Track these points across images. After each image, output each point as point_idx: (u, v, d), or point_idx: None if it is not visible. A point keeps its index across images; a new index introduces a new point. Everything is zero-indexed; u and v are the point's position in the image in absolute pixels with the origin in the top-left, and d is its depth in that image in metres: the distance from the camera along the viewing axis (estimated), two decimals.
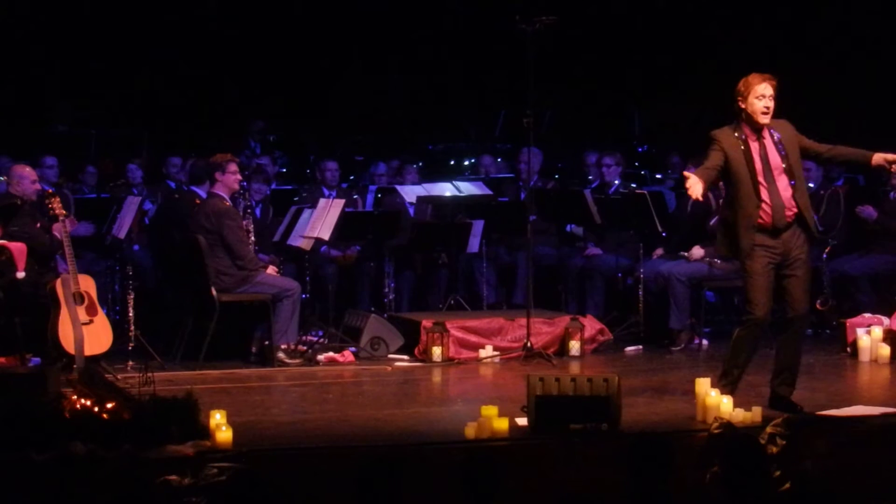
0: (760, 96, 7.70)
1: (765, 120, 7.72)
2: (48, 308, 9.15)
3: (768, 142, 7.77)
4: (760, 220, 7.73)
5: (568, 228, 11.87)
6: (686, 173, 7.77)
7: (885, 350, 9.77)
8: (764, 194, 7.73)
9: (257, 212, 11.22)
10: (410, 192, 11.87)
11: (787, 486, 5.76)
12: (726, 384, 7.87)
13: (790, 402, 7.89)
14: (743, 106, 7.74)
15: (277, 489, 6.06)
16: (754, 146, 7.76)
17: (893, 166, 7.94)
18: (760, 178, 7.72)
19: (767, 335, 8.20)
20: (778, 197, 7.72)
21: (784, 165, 7.75)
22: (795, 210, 7.77)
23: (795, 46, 14.59)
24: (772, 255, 7.77)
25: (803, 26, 14.79)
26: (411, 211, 12.02)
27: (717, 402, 7.57)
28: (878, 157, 7.91)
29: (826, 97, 14.05)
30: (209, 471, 5.80)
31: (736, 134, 7.76)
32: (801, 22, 14.81)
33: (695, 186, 7.59)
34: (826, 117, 13.94)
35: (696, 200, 7.88)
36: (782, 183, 7.74)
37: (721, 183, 8.03)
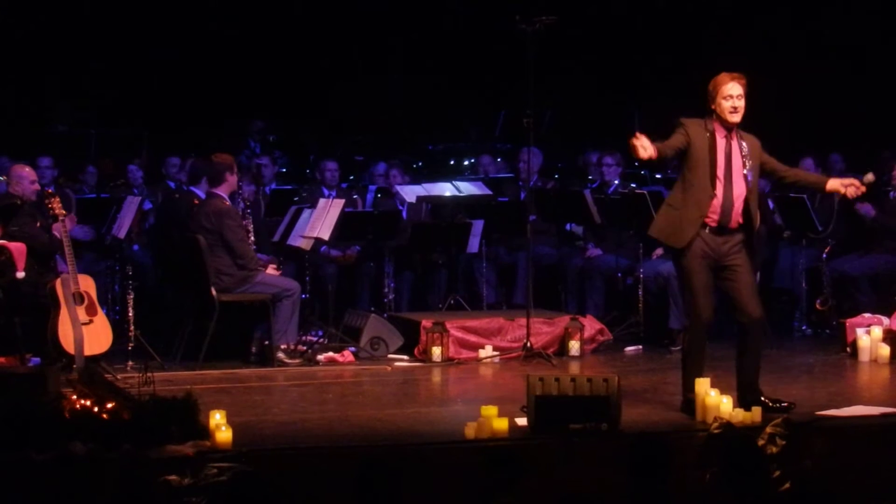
0: (728, 96, 7.65)
1: (734, 119, 7.66)
2: (48, 308, 9.14)
3: (735, 143, 7.72)
4: (710, 215, 7.66)
5: (568, 227, 11.87)
6: (641, 140, 7.54)
7: (885, 350, 9.77)
8: (718, 189, 7.66)
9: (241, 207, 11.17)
10: (410, 193, 11.87)
11: (787, 485, 5.76)
12: (690, 399, 7.75)
13: (775, 400, 7.78)
14: (713, 106, 7.70)
15: (277, 489, 6.07)
16: (721, 142, 7.71)
17: (849, 189, 7.88)
18: (719, 173, 7.66)
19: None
20: (730, 196, 7.67)
21: (744, 170, 7.69)
22: (742, 221, 7.71)
23: (795, 46, 14.60)
24: (708, 254, 7.68)
25: (803, 26, 14.80)
26: (405, 213, 12.00)
27: (716, 402, 7.57)
28: (833, 184, 7.94)
29: (825, 97, 14.07)
30: (209, 471, 5.81)
31: (706, 126, 7.72)
32: (801, 22, 14.81)
33: (645, 146, 7.46)
34: (826, 117, 13.99)
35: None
36: (738, 185, 7.68)
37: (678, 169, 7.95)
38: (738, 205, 7.69)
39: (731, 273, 7.72)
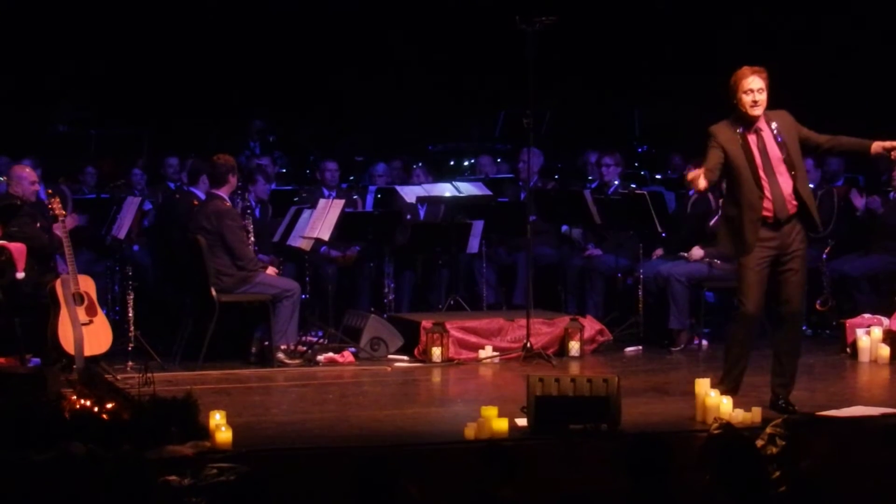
0: (749, 90, 7.72)
1: (755, 112, 7.73)
2: (48, 308, 9.14)
3: (766, 134, 7.78)
4: (765, 213, 7.72)
5: (563, 229, 11.85)
6: (689, 172, 7.77)
7: (885, 350, 9.77)
8: (765, 187, 7.73)
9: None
10: (410, 193, 11.88)
11: (785, 487, 5.76)
12: (729, 385, 7.86)
13: (787, 402, 7.88)
14: (734, 101, 7.77)
15: (277, 489, 6.07)
16: (752, 139, 7.76)
17: (893, 153, 7.90)
18: (761, 172, 7.72)
19: (764, 334, 8.20)
20: (779, 189, 7.73)
21: (783, 157, 7.76)
22: (796, 203, 7.77)
23: (794, 46, 14.60)
24: (769, 250, 7.77)
25: (803, 26, 14.79)
26: (421, 213, 12.04)
27: (716, 402, 7.58)
28: (877, 146, 7.91)
29: (824, 97, 14.05)
30: (209, 471, 5.80)
31: (734, 128, 7.78)
32: (801, 22, 14.81)
33: (699, 179, 7.63)
34: (826, 116, 13.98)
35: (697, 200, 7.90)
36: (783, 175, 7.75)
37: (722, 182, 8.05)
38: (789, 193, 7.75)
39: (789, 264, 7.80)
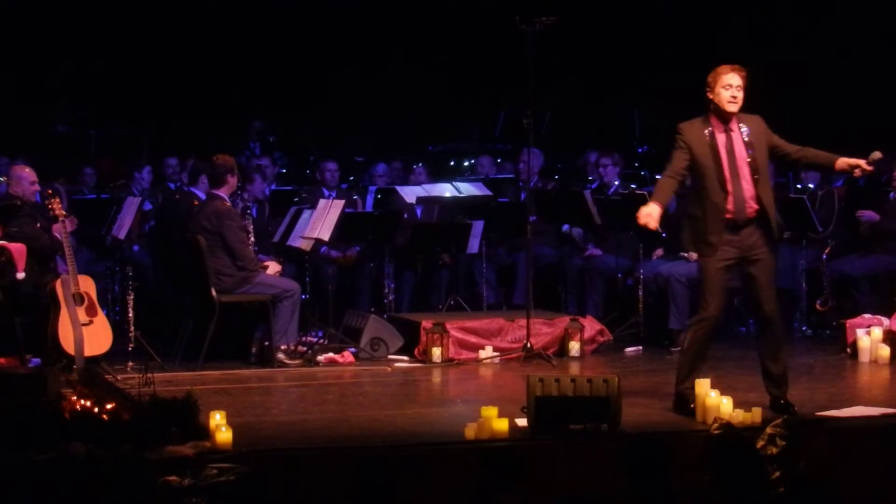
0: (727, 86, 7.73)
1: (732, 109, 7.74)
2: (48, 309, 9.14)
3: (736, 135, 7.80)
4: (727, 214, 7.75)
5: (564, 228, 11.87)
6: (643, 210, 7.75)
7: (885, 351, 9.77)
8: (729, 187, 7.75)
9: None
10: (410, 193, 11.88)
11: (784, 487, 5.76)
12: (689, 386, 7.85)
13: (786, 402, 7.87)
14: (711, 96, 7.79)
15: (277, 489, 6.07)
16: (721, 138, 7.79)
17: (856, 171, 7.92)
18: (726, 172, 7.75)
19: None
20: (740, 191, 7.75)
21: (749, 160, 7.78)
22: (757, 207, 7.80)
23: (795, 46, 14.60)
24: (731, 251, 7.79)
25: (803, 26, 14.79)
26: (418, 213, 12.04)
27: (716, 402, 7.57)
28: (842, 162, 7.95)
29: (823, 96, 14.06)
30: (209, 471, 5.80)
31: (704, 126, 7.81)
32: (801, 22, 14.81)
33: (650, 218, 7.69)
34: (824, 114, 13.98)
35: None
36: (745, 178, 7.77)
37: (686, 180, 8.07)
38: (749, 196, 7.77)
39: (754, 268, 7.82)
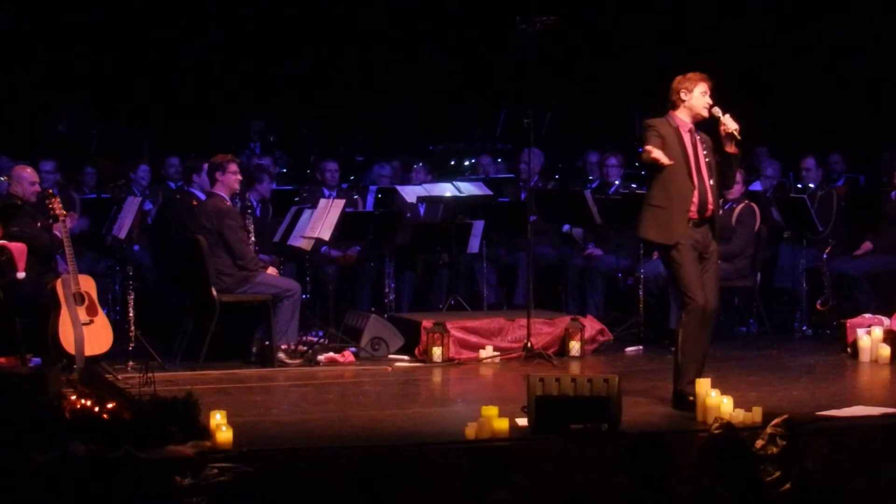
0: (704, 92, 8.00)
1: (706, 114, 7.97)
2: (48, 308, 9.14)
3: (697, 137, 8.04)
4: (690, 210, 7.94)
5: (565, 229, 11.87)
6: (649, 148, 7.80)
7: (886, 350, 9.76)
8: (696, 181, 7.97)
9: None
10: (411, 193, 11.88)
11: (787, 486, 5.76)
12: (690, 382, 7.87)
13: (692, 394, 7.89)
14: (685, 99, 8.00)
15: (277, 489, 6.07)
16: (687, 137, 8.02)
17: (721, 129, 7.94)
18: (692, 166, 7.97)
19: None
20: (705, 189, 7.99)
21: (707, 160, 8.01)
22: (713, 207, 8.04)
23: (796, 47, 14.60)
24: (695, 243, 7.98)
25: (803, 27, 14.80)
26: (421, 211, 12.04)
27: (716, 402, 7.57)
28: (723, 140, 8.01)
29: (822, 95, 14.07)
30: (209, 471, 5.80)
31: (670, 124, 8.01)
32: (801, 22, 14.82)
33: (660, 154, 7.77)
34: (827, 118, 13.99)
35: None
36: (705, 177, 7.99)
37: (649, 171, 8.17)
38: (709, 195, 8.00)
39: (706, 264, 8.04)
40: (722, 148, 8.01)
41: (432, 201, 11.93)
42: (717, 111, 7.96)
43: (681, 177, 7.91)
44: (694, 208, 7.94)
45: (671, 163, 7.79)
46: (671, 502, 5.47)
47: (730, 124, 7.92)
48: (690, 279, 7.93)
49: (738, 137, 7.94)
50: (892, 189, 11.34)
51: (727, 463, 5.51)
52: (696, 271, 7.95)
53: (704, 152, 8.00)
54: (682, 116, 8.01)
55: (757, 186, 12.20)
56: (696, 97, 7.98)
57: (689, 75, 8.04)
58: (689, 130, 8.01)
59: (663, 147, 7.88)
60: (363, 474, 5.37)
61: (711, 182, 7.99)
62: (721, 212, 10.26)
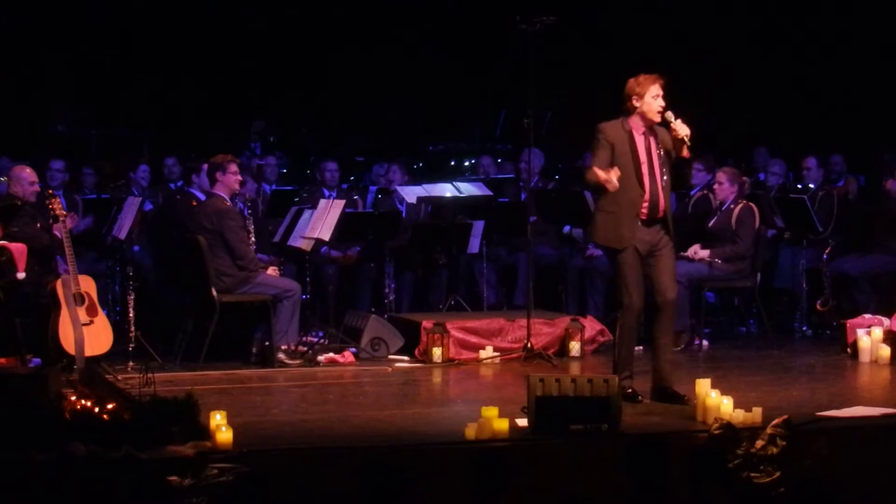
0: (657, 95, 8.08)
1: (659, 119, 8.06)
2: (49, 309, 9.14)
3: (652, 139, 8.13)
4: (642, 211, 8.06)
5: (565, 230, 11.87)
6: (597, 171, 7.92)
7: (886, 351, 9.77)
8: (646, 185, 8.08)
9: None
10: (411, 193, 11.87)
11: (789, 487, 5.76)
12: (629, 376, 8.17)
13: (674, 392, 8.14)
14: (637, 104, 8.09)
15: (277, 489, 6.07)
16: (640, 140, 8.12)
17: (673, 132, 8.01)
18: (643, 170, 8.07)
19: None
20: (656, 190, 8.11)
21: (661, 163, 8.11)
22: (664, 207, 8.14)
23: (795, 47, 14.60)
24: (643, 245, 8.12)
25: (803, 27, 14.80)
26: (403, 212, 12.02)
27: (716, 402, 7.58)
28: (677, 145, 8.06)
29: (820, 95, 14.06)
30: (210, 471, 5.81)
31: (623, 127, 8.12)
32: (801, 23, 14.82)
33: (611, 179, 7.86)
34: (828, 118, 13.99)
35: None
36: (660, 178, 8.10)
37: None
38: (662, 196, 8.12)
39: (657, 259, 8.20)
40: (676, 151, 8.10)
41: (432, 201, 11.92)
42: (669, 116, 8.04)
43: (630, 183, 8.03)
44: (645, 211, 8.09)
45: (616, 187, 7.87)
46: (671, 502, 5.47)
47: (680, 130, 8.01)
48: (630, 282, 8.12)
49: (688, 143, 8.01)
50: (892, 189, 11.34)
51: (705, 465, 5.54)
52: (638, 275, 8.14)
53: (659, 151, 8.09)
54: (636, 121, 8.11)
55: (763, 177, 12.24)
56: (648, 102, 8.06)
57: (640, 79, 8.12)
58: (645, 133, 8.10)
59: (612, 154, 8.01)
60: (363, 475, 5.37)
61: (665, 179, 8.09)
62: (719, 214, 10.61)
